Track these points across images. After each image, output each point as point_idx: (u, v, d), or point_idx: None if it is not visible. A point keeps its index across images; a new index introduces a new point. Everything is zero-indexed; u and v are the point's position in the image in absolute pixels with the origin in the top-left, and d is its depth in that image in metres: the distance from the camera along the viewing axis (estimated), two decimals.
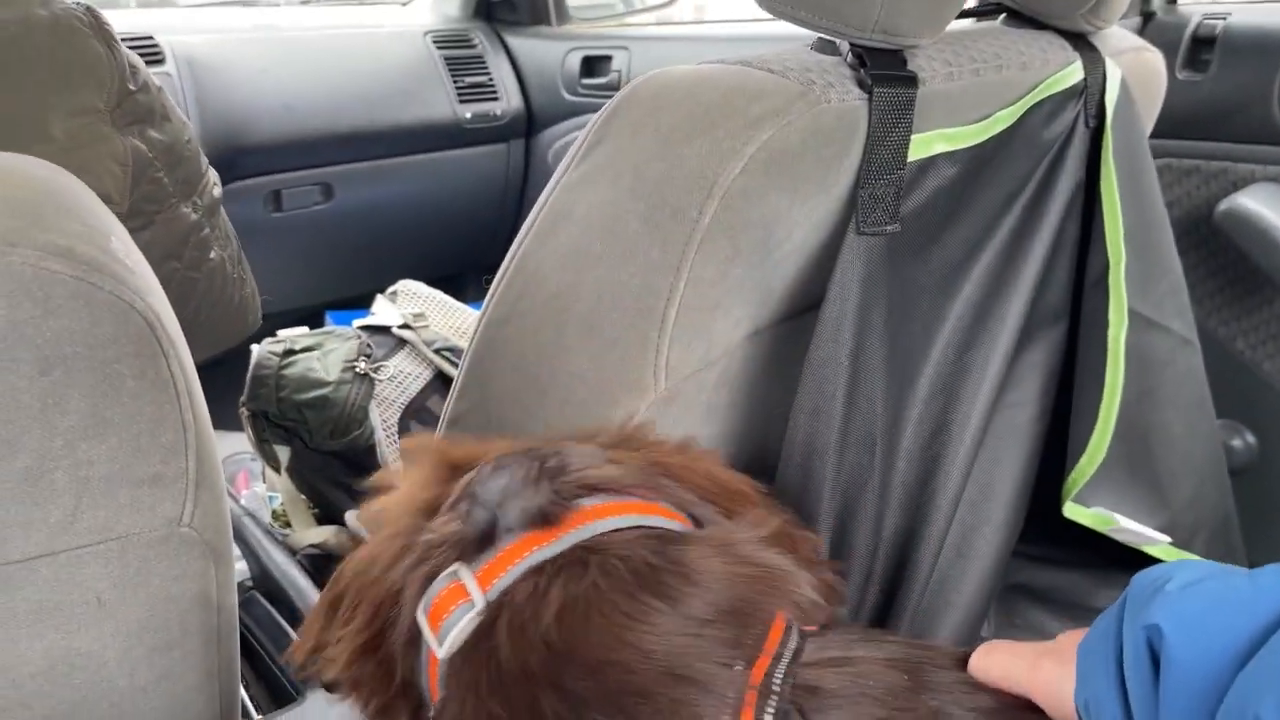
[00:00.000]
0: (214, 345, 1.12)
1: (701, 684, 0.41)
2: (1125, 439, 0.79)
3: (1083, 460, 0.78)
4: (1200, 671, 0.34)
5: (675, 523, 0.49)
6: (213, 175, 1.08)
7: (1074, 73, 0.75)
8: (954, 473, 0.72)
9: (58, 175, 0.48)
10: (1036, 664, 0.43)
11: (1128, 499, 0.79)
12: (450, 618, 0.45)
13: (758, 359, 0.67)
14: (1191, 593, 0.36)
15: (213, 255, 1.05)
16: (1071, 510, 0.78)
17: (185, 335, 0.48)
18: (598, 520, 0.47)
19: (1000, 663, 0.45)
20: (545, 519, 0.47)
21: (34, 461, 0.42)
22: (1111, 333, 0.78)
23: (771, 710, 0.40)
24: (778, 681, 0.41)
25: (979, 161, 0.69)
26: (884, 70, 0.62)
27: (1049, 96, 0.73)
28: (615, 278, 0.60)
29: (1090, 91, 0.76)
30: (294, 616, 0.98)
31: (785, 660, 0.42)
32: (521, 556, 0.45)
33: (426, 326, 1.26)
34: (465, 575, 0.45)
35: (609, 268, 0.60)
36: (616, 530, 0.47)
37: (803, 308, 0.67)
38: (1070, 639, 0.43)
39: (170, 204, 0.98)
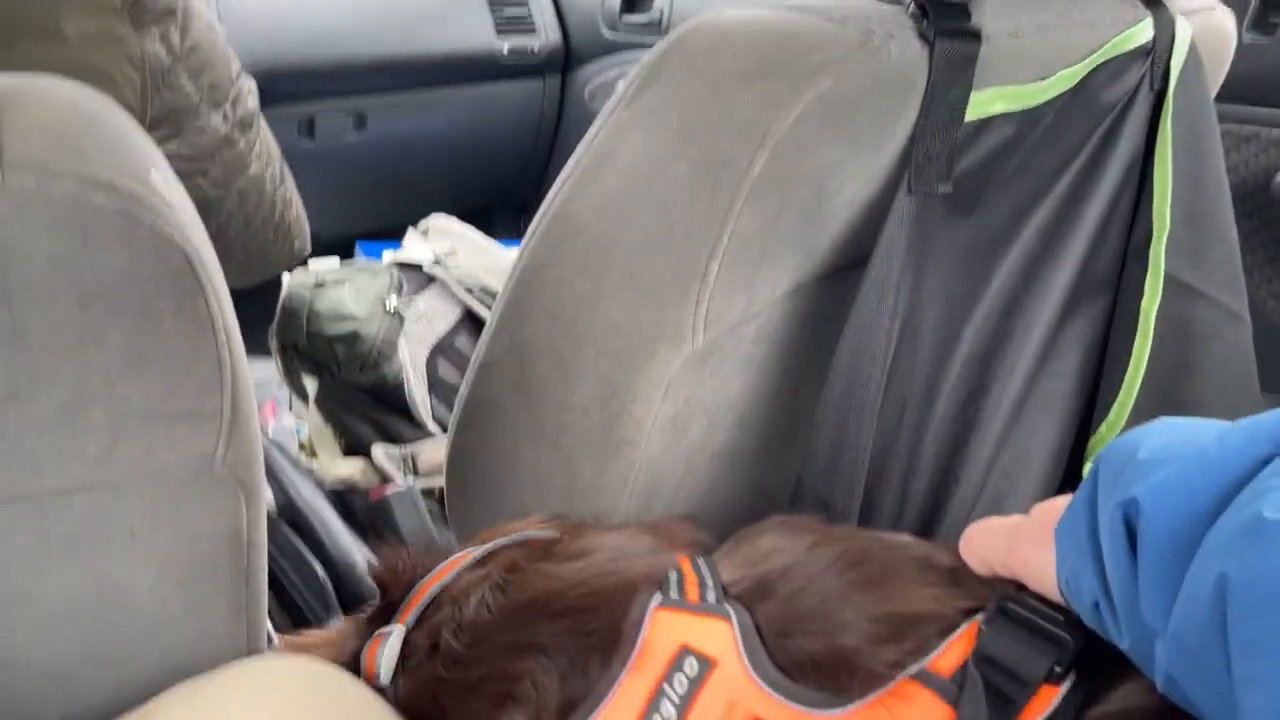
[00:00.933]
0: (250, 272, 1.08)
1: (637, 581, 0.48)
2: (1160, 411, 0.77)
3: (1102, 429, 0.77)
4: (1172, 537, 0.33)
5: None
6: (248, 83, 1.02)
7: (1142, 31, 0.72)
8: (987, 440, 0.71)
9: (98, 102, 0.47)
10: (1013, 547, 0.42)
11: None
12: (378, 650, 0.52)
13: (798, 314, 0.65)
14: (1162, 457, 0.35)
15: (250, 171, 1.00)
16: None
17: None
18: (483, 544, 0.56)
19: (978, 547, 0.45)
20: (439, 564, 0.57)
21: (71, 396, 0.42)
22: (1144, 304, 0.76)
23: (732, 612, 0.46)
24: (711, 595, 0.47)
25: (1037, 123, 0.67)
26: (947, 23, 0.60)
27: (1114, 57, 0.70)
28: (658, 226, 0.59)
29: (1158, 52, 0.73)
30: (318, 547, 0.99)
31: (708, 577, 0.48)
32: (425, 592, 0.54)
33: (458, 264, 1.25)
34: (385, 628, 0.54)
35: (652, 216, 0.59)
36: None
37: (846, 264, 0.65)
38: (1044, 512, 0.42)
39: (199, 112, 0.93)
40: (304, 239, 1.13)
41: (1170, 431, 0.37)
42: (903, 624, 0.43)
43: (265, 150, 1.03)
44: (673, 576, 0.48)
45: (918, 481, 0.69)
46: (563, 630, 0.48)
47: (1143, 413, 0.77)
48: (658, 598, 0.47)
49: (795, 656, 0.44)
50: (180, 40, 0.89)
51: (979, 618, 0.42)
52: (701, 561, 0.50)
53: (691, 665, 0.44)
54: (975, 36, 0.60)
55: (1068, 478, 0.79)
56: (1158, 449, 0.36)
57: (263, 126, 1.04)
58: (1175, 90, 0.74)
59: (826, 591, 0.46)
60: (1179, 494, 0.34)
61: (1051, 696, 0.38)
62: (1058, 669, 0.39)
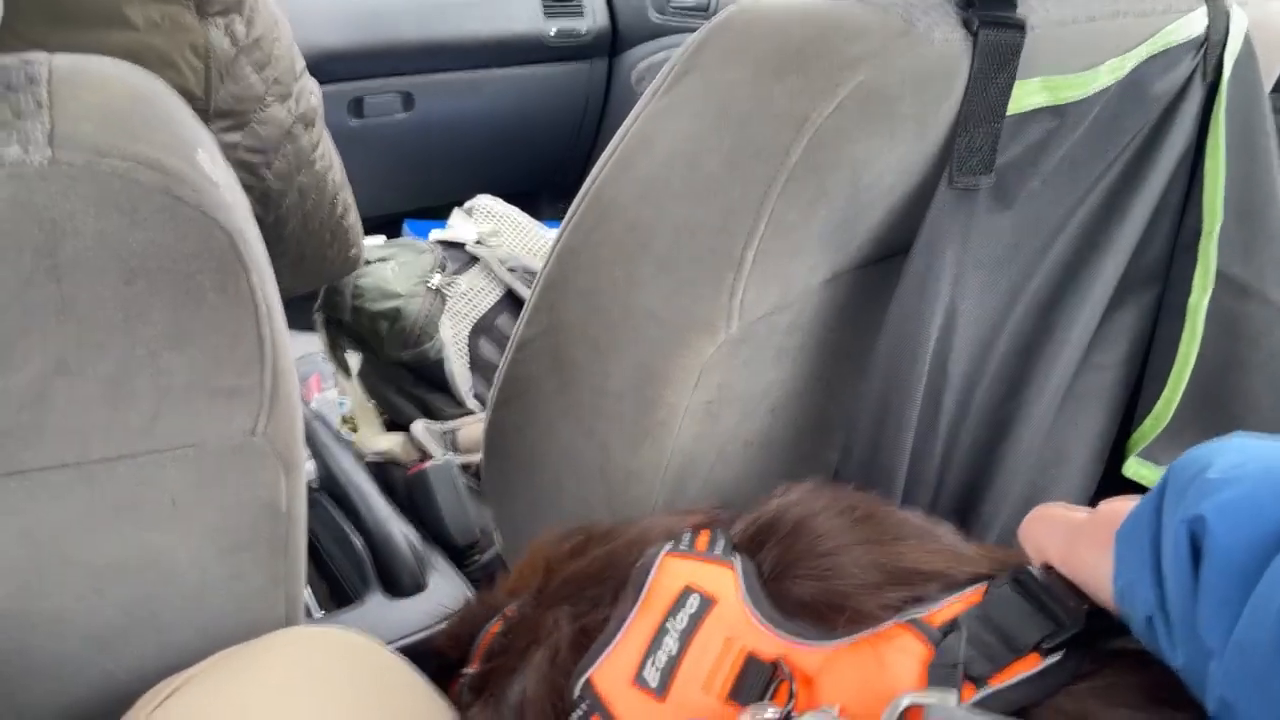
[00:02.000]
0: (305, 274, 1.08)
1: (651, 542, 0.51)
2: (1206, 406, 0.76)
3: (1146, 423, 0.75)
4: (1238, 558, 0.32)
5: None
6: (312, 84, 1.03)
7: (1195, 21, 0.70)
8: (1026, 434, 0.70)
9: (148, 82, 0.48)
10: (1072, 544, 0.41)
11: None
12: (459, 688, 0.55)
13: (832, 305, 0.65)
14: (1233, 477, 0.34)
15: (313, 169, 1.01)
16: (1132, 467, 0.75)
17: (274, 260, 0.48)
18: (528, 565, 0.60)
19: (1036, 535, 0.44)
20: None
21: (117, 368, 0.43)
22: (1192, 300, 0.74)
23: (737, 559, 0.48)
24: (719, 548, 0.50)
25: (1082, 114, 0.66)
26: (991, 12, 0.59)
27: (1166, 48, 0.69)
28: (694, 215, 0.59)
29: (1212, 43, 0.71)
30: (356, 519, 1.01)
31: (720, 535, 0.51)
32: (494, 632, 0.56)
33: (500, 244, 1.26)
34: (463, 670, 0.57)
35: (688, 204, 0.59)
36: None
37: (883, 255, 0.65)
38: (1110, 513, 0.41)
39: (265, 104, 0.94)
40: (359, 247, 1.14)
41: (1243, 451, 0.36)
42: (901, 575, 0.45)
43: (327, 152, 1.04)
44: (686, 535, 0.51)
45: (953, 475, 0.69)
46: (582, 587, 0.52)
47: (1188, 410, 0.76)
48: (668, 546, 0.50)
49: (791, 597, 0.46)
50: (245, 32, 0.91)
51: (989, 584, 0.42)
52: (718, 529, 0.52)
53: (693, 603, 0.46)
54: (1020, 26, 0.59)
55: (1107, 475, 0.79)
56: (1229, 468, 0.35)
57: (325, 131, 1.05)
58: (1229, 83, 0.72)
59: (826, 532, 0.48)
60: (1248, 515, 0.33)
61: (1035, 663, 0.38)
62: (1046, 644, 0.38)
